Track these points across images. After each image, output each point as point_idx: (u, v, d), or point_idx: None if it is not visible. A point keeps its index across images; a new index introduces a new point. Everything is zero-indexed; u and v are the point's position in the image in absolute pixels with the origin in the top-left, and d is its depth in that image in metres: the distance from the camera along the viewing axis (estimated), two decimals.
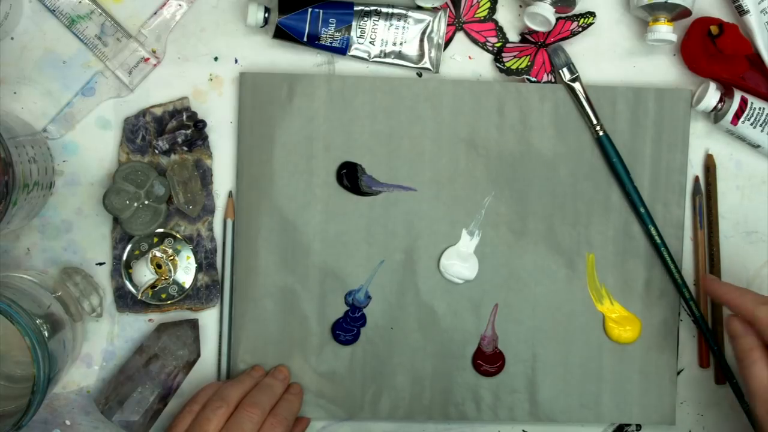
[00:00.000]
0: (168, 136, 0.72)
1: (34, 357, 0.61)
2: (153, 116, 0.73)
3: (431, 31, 0.74)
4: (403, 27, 0.73)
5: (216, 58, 0.74)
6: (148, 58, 0.73)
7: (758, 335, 0.66)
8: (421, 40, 0.74)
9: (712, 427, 0.77)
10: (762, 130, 0.74)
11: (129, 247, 0.72)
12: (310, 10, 0.71)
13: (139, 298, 0.72)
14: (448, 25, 0.74)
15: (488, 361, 0.75)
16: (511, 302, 0.75)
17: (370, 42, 0.73)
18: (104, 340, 0.73)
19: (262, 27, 0.72)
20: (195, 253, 0.73)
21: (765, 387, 0.65)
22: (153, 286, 0.72)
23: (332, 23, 0.72)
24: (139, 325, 0.74)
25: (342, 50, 0.73)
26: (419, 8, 0.73)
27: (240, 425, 0.66)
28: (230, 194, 0.74)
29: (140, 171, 0.71)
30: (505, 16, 0.75)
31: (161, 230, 0.72)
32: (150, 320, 0.74)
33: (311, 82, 0.73)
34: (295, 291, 0.73)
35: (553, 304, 0.75)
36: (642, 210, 0.74)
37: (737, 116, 0.73)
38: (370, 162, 0.74)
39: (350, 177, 0.73)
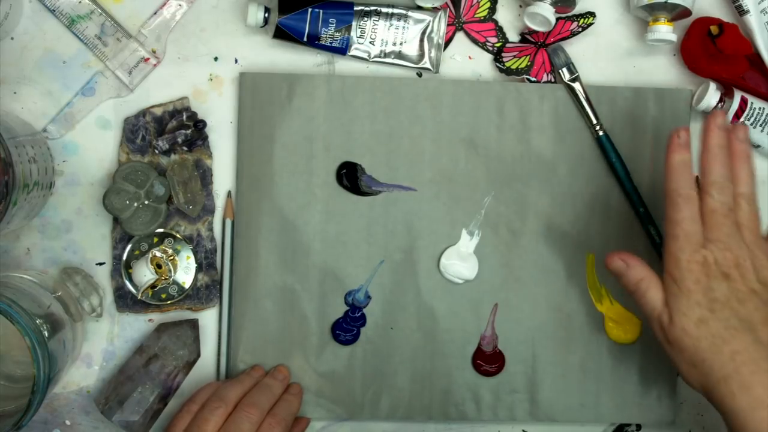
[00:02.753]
0: (168, 136, 0.72)
1: (34, 357, 0.61)
2: (153, 116, 0.73)
3: (431, 31, 0.74)
4: (403, 27, 0.73)
5: (216, 58, 0.74)
6: (148, 58, 0.73)
7: (645, 265, 0.66)
8: (421, 40, 0.74)
9: (712, 427, 0.77)
10: (762, 130, 0.74)
11: (129, 247, 0.72)
12: (310, 10, 0.71)
13: (139, 298, 0.72)
14: (448, 25, 0.74)
15: (488, 361, 0.75)
16: (511, 302, 0.75)
17: (370, 42, 0.73)
18: (104, 340, 0.73)
19: (262, 27, 0.72)
20: (195, 253, 0.73)
21: (661, 309, 0.64)
22: (153, 286, 0.72)
23: (332, 23, 0.72)
24: (139, 325, 0.74)
25: (342, 50, 0.73)
26: (419, 8, 0.73)
27: (238, 425, 0.66)
28: (229, 194, 0.74)
29: (140, 171, 0.71)
30: (505, 16, 0.75)
31: (161, 230, 0.72)
32: (150, 320, 0.74)
33: (311, 82, 0.73)
34: (295, 291, 0.73)
35: (553, 304, 0.75)
36: (642, 210, 0.74)
37: (737, 116, 0.73)
38: (370, 162, 0.74)
39: (350, 177, 0.73)
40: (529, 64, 0.75)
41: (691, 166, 0.65)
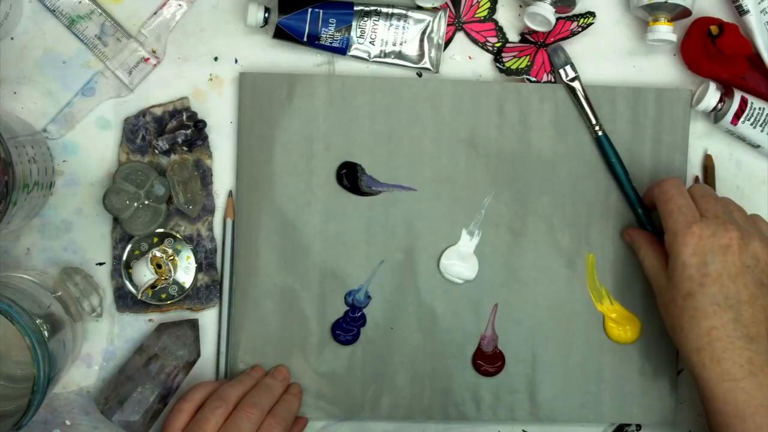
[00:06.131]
0: (168, 136, 0.72)
1: (34, 357, 0.61)
2: (153, 116, 0.73)
3: (431, 31, 0.74)
4: (403, 27, 0.73)
5: (216, 58, 0.74)
6: (148, 58, 0.73)
7: (647, 236, 0.72)
8: (421, 40, 0.74)
9: None
10: (762, 130, 0.74)
11: (129, 247, 0.72)
12: (310, 10, 0.71)
13: (139, 298, 0.72)
14: (448, 25, 0.74)
15: (488, 361, 0.75)
16: (511, 302, 0.75)
17: (370, 42, 0.73)
18: (104, 340, 0.73)
19: (262, 27, 0.72)
20: (195, 253, 0.73)
21: (656, 275, 0.69)
22: (153, 286, 0.72)
23: (332, 23, 0.72)
24: (139, 325, 0.74)
25: (342, 50, 0.73)
26: (419, 8, 0.73)
27: (238, 425, 0.66)
28: (230, 194, 0.74)
29: (140, 171, 0.71)
30: (505, 16, 0.75)
31: (161, 230, 0.72)
32: (150, 320, 0.74)
33: (311, 82, 0.73)
34: (295, 291, 0.73)
35: (553, 304, 0.75)
36: (641, 210, 0.74)
37: (737, 116, 0.73)
38: (370, 162, 0.74)
39: (350, 177, 0.73)
40: (529, 64, 0.75)
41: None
